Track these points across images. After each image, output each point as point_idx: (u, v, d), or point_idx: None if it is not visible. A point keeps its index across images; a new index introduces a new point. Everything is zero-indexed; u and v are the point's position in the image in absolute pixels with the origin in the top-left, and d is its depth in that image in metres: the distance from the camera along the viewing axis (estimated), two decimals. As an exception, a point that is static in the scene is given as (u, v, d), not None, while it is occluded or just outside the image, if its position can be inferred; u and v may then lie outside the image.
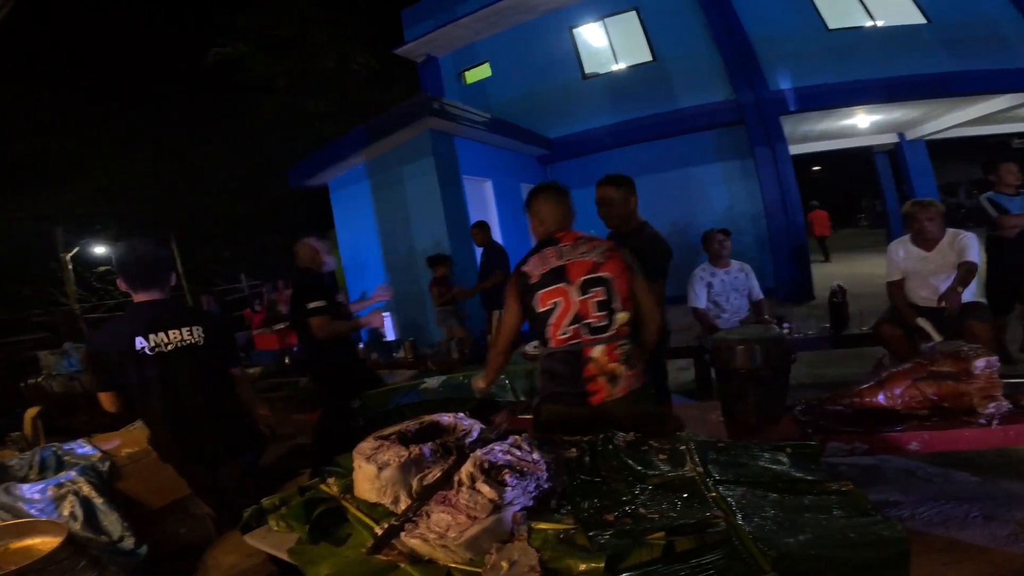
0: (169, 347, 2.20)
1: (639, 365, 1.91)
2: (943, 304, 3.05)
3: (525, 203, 2.12)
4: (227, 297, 13.76)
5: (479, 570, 1.10)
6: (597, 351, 1.85)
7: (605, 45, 9.69)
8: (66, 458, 2.86)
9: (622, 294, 1.88)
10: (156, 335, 2.17)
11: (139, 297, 2.25)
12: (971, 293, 3.21)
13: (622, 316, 1.88)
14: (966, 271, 3.08)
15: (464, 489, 1.25)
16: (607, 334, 1.86)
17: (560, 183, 2.15)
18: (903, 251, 3.35)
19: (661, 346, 2.91)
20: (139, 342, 2.15)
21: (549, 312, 1.89)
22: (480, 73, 10.86)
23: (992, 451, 2.44)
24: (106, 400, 2.28)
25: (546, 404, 1.97)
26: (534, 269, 1.93)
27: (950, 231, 3.23)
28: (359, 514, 1.40)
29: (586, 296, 1.87)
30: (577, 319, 1.86)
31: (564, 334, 1.88)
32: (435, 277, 5.63)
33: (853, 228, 24.39)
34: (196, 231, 15.69)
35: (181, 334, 2.22)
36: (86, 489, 2.48)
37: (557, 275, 1.90)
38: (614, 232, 2.93)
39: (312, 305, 3.14)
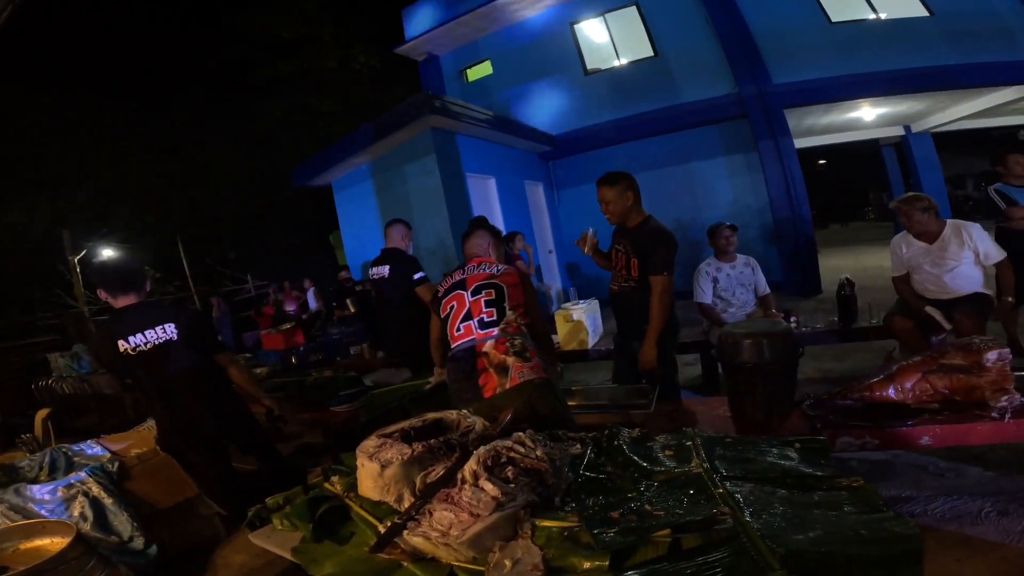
0: (148, 346, 2.40)
1: (536, 361, 2.06)
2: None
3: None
4: (235, 298, 13.83)
5: (482, 568, 1.09)
6: (488, 345, 2.08)
7: (606, 41, 9.64)
8: (76, 459, 2.89)
9: (513, 299, 2.20)
10: (135, 336, 2.39)
11: (118, 303, 2.47)
12: (978, 283, 3.17)
13: (511, 315, 2.14)
14: (1004, 276, 3.11)
15: (467, 487, 1.24)
16: (496, 329, 2.11)
17: (483, 219, 2.85)
18: (906, 246, 3.32)
19: (671, 340, 2.86)
20: (121, 344, 2.37)
21: (448, 316, 2.26)
22: (482, 71, 10.83)
23: (1004, 445, 2.41)
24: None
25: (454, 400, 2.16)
26: (443, 281, 2.43)
27: (951, 222, 3.20)
28: (362, 512, 1.39)
29: (476, 297, 2.20)
30: (468, 317, 2.18)
31: (459, 331, 2.19)
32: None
33: (860, 221, 24.21)
34: (203, 232, 15.79)
35: (156, 333, 2.42)
36: (95, 490, 2.50)
37: (456, 285, 2.32)
38: (618, 228, 2.92)
39: (418, 275, 3.77)
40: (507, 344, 2.04)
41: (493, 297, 2.17)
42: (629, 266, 2.79)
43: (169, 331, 2.44)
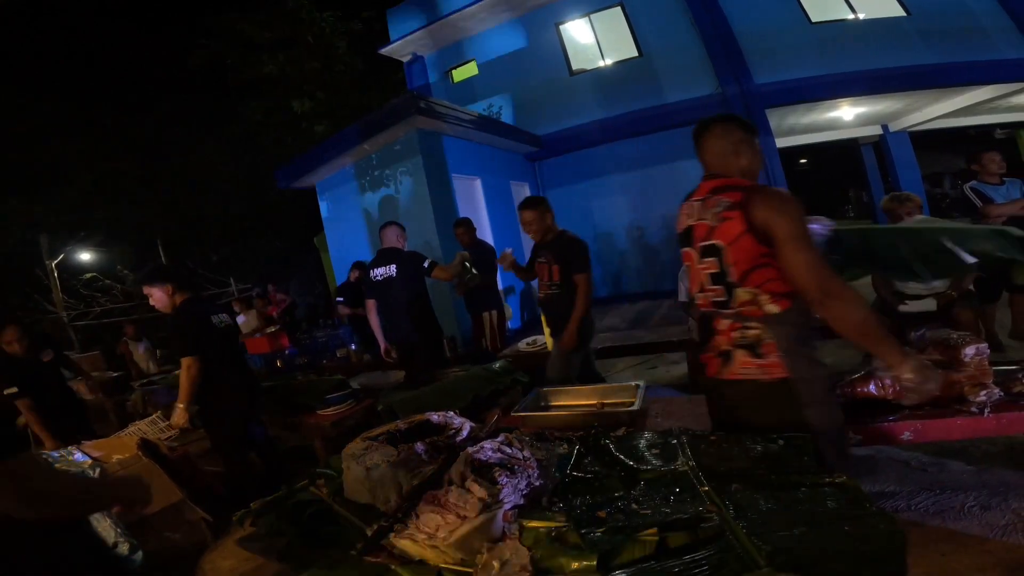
0: (223, 325, 3.18)
1: (775, 357, 1.56)
2: (931, 304, 3.15)
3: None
4: (218, 301, 13.65)
5: (470, 570, 1.08)
6: (722, 324, 1.65)
7: (591, 41, 9.69)
8: (57, 465, 2.83)
9: (738, 266, 1.56)
10: (216, 316, 3.16)
11: (184, 294, 3.10)
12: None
13: (741, 292, 1.58)
14: (965, 274, 3.19)
15: (454, 488, 1.23)
16: (728, 310, 1.62)
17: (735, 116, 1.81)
18: None
19: (588, 332, 3.32)
20: (213, 319, 3.12)
21: (685, 271, 1.90)
22: (467, 71, 10.83)
23: (985, 439, 2.46)
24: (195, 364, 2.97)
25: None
26: (679, 221, 1.80)
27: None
28: (349, 516, 1.38)
29: (702, 265, 1.65)
30: (700, 288, 1.70)
31: (697, 300, 1.75)
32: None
33: (840, 219, 24.58)
34: (184, 235, 15.55)
35: (225, 317, 3.22)
36: (75, 498, 2.44)
37: (687, 236, 1.72)
38: (538, 244, 3.39)
39: (427, 263, 3.95)
40: (736, 334, 1.62)
41: (717, 271, 1.64)
42: (551, 273, 3.26)
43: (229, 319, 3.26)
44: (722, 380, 1.66)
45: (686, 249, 1.73)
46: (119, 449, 2.94)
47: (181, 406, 3.01)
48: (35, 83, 13.98)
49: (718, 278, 1.61)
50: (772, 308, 1.55)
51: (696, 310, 1.82)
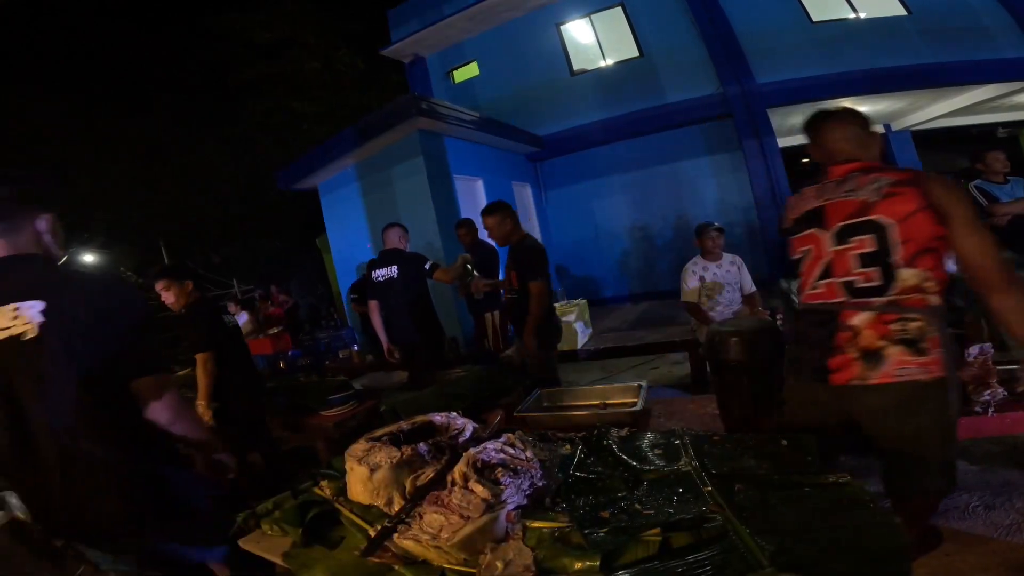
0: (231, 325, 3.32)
1: (937, 353, 1.40)
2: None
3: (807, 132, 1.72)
4: (220, 302, 13.68)
5: (473, 570, 1.09)
6: (861, 319, 1.44)
7: (592, 41, 9.69)
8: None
9: (908, 245, 1.39)
10: (225, 315, 3.30)
11: (196, 293, 3.14)
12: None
13: (908, 275, 1.40)
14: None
15: (457, 489, 1.23)
16: (875, 299, 1.43)
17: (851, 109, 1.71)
18: None
19: (551, 335, 3.35)
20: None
21: (800, 261, 1.60)
22: (468, 72, 10.83)
23: (989, 439, 2.45)
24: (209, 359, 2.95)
25: (791, 379, 1.61)
26: (789, 210, 1.67)
27: None
28: (352, 516, 1.38)
29: (844, 246, 1.47)
30: (826, 274, 1.50)
31: (814, 290, 1.53)
32: None
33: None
34: (186, 236, 15.59)
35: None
36: (79, 498, 2.45)
37: (811, 219, 1.55)
38: (506, 247, 3.40)
39: (428, 264, 4.00)
40: (894, 326, 1.42)
41: (873, 250, 1.44)
42: (511, 279, 3.32)
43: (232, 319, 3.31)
44: (865, 386, 1.43)
45: (809, 232, 1.55)
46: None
47: (203, 403, 2.97)
48: (36, 84, 14.02)
49: (873, 259, 1.42)
50: (934, 299, 1.40)
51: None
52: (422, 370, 3.81)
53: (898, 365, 1.40)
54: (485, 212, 3.37)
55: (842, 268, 1.48)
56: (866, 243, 1.45)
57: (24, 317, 1.23)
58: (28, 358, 1.22)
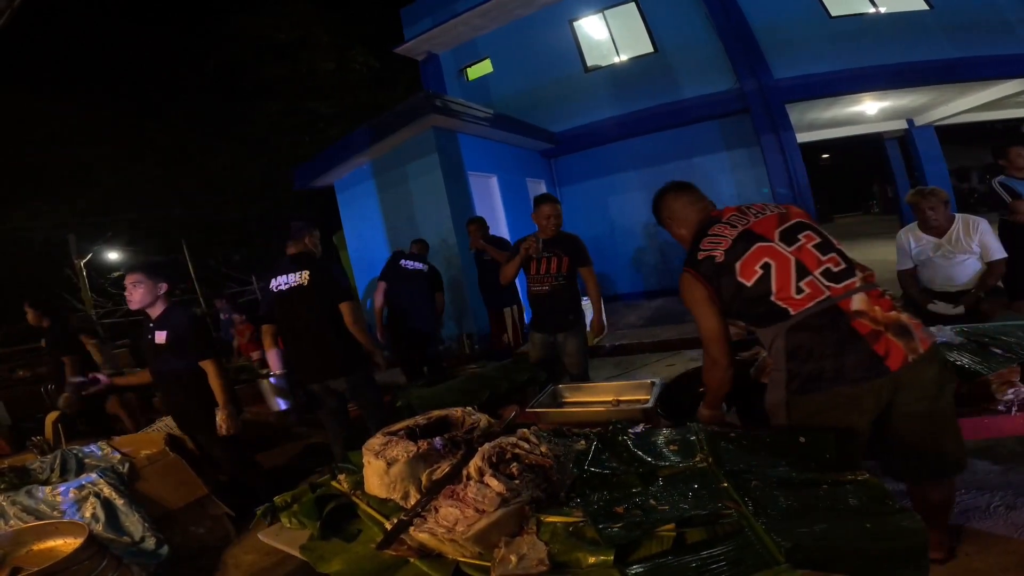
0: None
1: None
2: (960, 309, 3.07)
3: (655, 211, 1.90)
4: (240, 300, 13.89)
5: (488, 564, 1.10)
6: (858, 301, 1.43)
7: (606, 37, 9.62)
8: (87, 460, 2.91)
9: (833, 239, 1.52)
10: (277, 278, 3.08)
11: (167, 300, 2.98)
12: None
13: (854, 258, 1.51)
14: (993, 273, 3.10)
15: (472, 483, 1.25)
16: (853, 279, 1.46)
17: (687, 183, 1.88)
18: (913, 239, 3.32)
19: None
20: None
21: (764, 278, 1.49)
22: (482, 69, 10.83)
23: (1012, 439, 2.41)
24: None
25: (803, 396, 1.46)
26: (712, 249, 1.58)
27: (960, 216, 3.20)
28: (369, 510, 1.41)
29: (796, 245, 1.50)
30: (803, 272, 1.47)
31: (800, 293, 1.45)
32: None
33: (865, 215, 24.12)
34: (206, 234, 15.85)
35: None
36: (107, 491, 2.52)
37: (746, 240, 1.54)
38: (547, 239, 3.39)
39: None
40: (887, 296, 1.48)
41: (820, 240, 1.52)
42: (559, 265, 3.34)
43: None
44: (918, 358, 1.40)
45: (756, 247, 1.53)
46: (147, 445, 3.02)
47: (231, 408, 2.86)
48: (60, 89, 14.35)
49: (826, 247, 1.51)
50: None
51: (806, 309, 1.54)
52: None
53: (918, 329, 1.43)
54: (548, 199, 3.42)
55: (812, 261, 1.49)
56: (811, 237, 1.53)
57: (305, 276, 2.95)
58: (304, 294, 2.93)
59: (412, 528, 1.22)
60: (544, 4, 9.66)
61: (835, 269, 1.47)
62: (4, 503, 2.34)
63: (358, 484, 1.54)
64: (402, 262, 4.35)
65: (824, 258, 1.48)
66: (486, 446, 1.36)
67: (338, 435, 3.07)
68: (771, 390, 1.55)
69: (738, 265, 1.53)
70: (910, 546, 0.98)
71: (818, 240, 1.51)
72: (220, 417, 2.84)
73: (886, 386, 1.41)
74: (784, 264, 1.49)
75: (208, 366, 2.85)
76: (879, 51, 7.84)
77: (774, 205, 1.64)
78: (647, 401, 2.03)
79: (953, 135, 12.19)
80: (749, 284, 1.50)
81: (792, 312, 1.46)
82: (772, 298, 1.48)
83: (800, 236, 1.52)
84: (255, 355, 5.99)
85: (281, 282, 3.00)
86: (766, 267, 1.50)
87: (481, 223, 5.26)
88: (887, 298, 1.48)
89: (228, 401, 2.86)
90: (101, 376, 3.27)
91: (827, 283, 1.46)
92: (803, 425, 1.45)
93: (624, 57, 9.48)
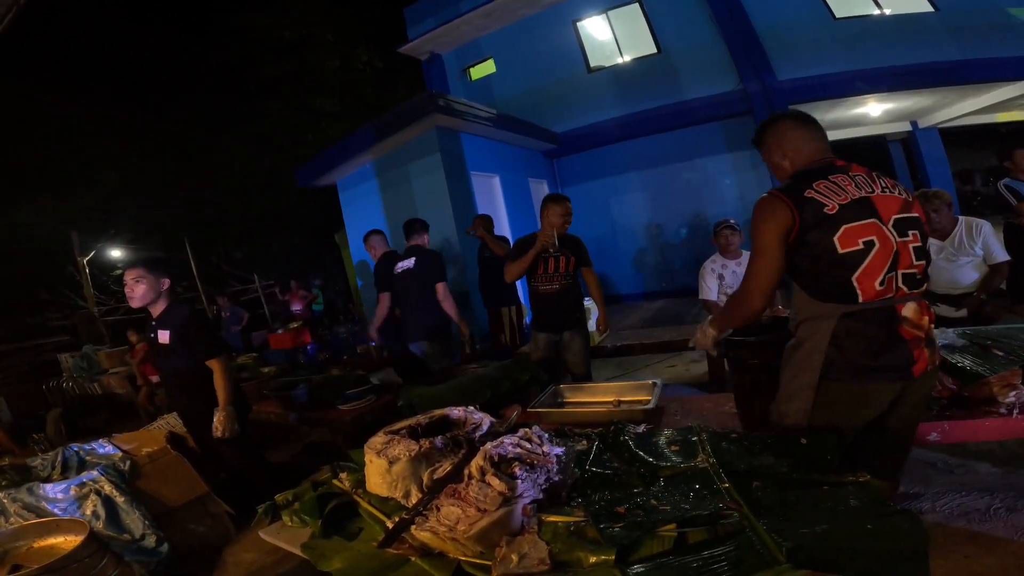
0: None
1: None
2: (963, 313, 3.07)
3: (760, 130, 1.70)
4: (241, 298, 13.91)
5: (489, 563, 1.10)
6: (909, 309, 1.45)
7: (609, 38, 9.62)
8: (88, 458, 2.92)
9: (925, 246, 1.51)
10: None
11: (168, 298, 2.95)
12: None
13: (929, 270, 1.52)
14: (996, 276, 3.10)
15: (474, 482, 1.25)
16: (922, 289, 1.49)
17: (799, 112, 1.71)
18: None
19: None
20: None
21: (859, 254, 1.40)
22: (485, 69, 10.84)
23: (1013, 441, 2.40)
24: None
25: (836, 383, 1.45)
26: (828, 197, 1.44)
27: (964, 219, 3.20)
28: (371, 508, 1.41)
29: (904, 239, 1.45)
30: (893, 267, 1.42)
31: (882, 285, 1.41)
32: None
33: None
34: (209, 232, 15.87)
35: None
36: (107, 488, 2.52)
37: (863, 208, 1.43)
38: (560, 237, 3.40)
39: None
40: (930, 311, 1.51)
41: (920, 244, 1.48)
42: (567, 265, 3.38)
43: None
44: (932, 370, 1.50)
45: (869, 222, 1.43)
46: (148, 442, 3.02)
47: (230, 409, 2.80)
48: (63, 87, 14.38)
49: (922, 252, 1.47)
50: None
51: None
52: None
53: (936, 342, 1.51)
54: (562, 199, 3.43)
55: (906, 260, 1.45)
56: (917, 238, 1.47)
57: (412, 262, 3.97)
58: (413, 276, 3.95)
59: (413, 527, 1.22)
60: (548, 4, 9.67)
61: (918, 276, 1.47)
62: (5, 500, 2.35)
63: (359, 482, 1.54)
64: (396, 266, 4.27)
65: (916, 262, 1.46)
66: (487, 445, 1.36)
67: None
68: (797, 372, 1.52)
69: (844, 227, 1.41)
70: (911, 547, 0.98)
71: (919, 244, 1.48)
72: (218, 418, 2.78)
73: (904, 389, 1.45)
74: (886, 251, 1.42)
75: (215, 365, 2.81)
76: (883, 53, 7.83)
77: (904, 188, 1.54)
78: (648, 402, 2.02)
79: (956, 137, 12.14)
80: (841, 251, 1.41)
81: (861, 299, 1.42)
82: (852, 276, 1.41)
83: (910, 232, 1.47)
84: (154, 379, 5.65)
85: (400, 265, 4.08)
86: (869, 244, 1.41)
87: (488, 219, 5.33)
88: (931, 311, 1.52)
89: (228, 402, 2.81)
90: None
91: (903, 286, 1.44)
92: (821, 410, 1.46)
93: (627, 58, 9.48)
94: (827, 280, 1.44)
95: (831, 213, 1.41)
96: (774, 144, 1.65)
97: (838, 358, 1.44)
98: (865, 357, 1.42)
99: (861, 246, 1.41)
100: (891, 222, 1.44)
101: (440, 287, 3.88)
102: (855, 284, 1.41)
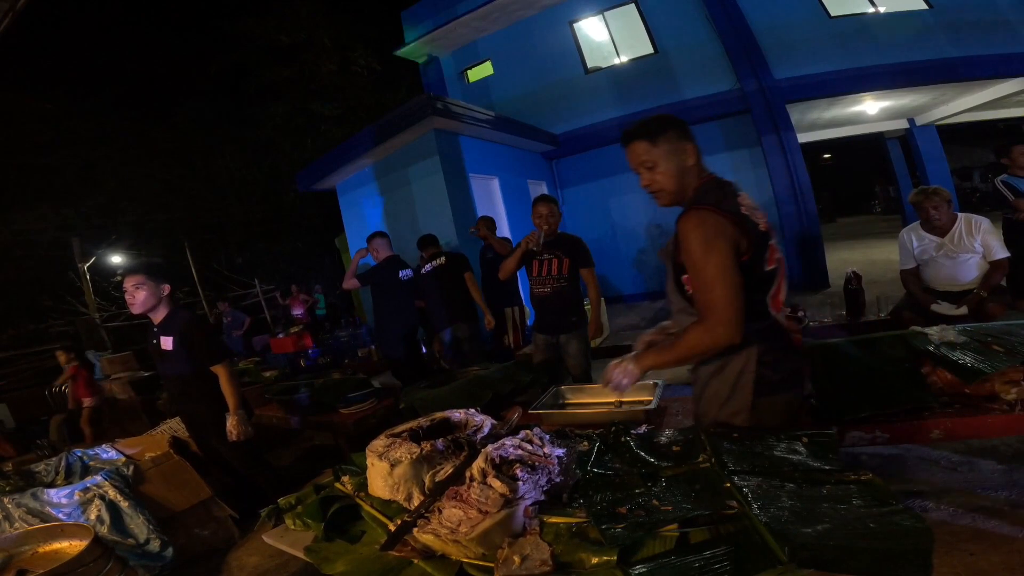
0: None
1: None
2: (963, 310, 3.07)
3: (655, 131, 1.68)
4: (242, 302, 13.93)
5: (491, 564, 1.10)
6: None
7: (606, 39, 9.64)
8: (91, 463, 2.93)
9: None
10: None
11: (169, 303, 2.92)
12: None
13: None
14: (996, 272, 3.10)
15: (476, 484, 1.25)
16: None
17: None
18: (916, 239, 3.32)
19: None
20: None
21: (774, 273, 1.42)
22: (482, 71, 10.85)
23: (1015, 438, 2.40)
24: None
25: (770, 397, 1.46)
26: (756, 213, 1.43)
27: (963, 215, 3.20)
28: (373, 511, 1.41)
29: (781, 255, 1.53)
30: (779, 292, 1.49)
31: (776, 302, 1.46)
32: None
33: (867, 215, 24.07)
34: (209, 238, 15.90)
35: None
36: (112, 493, 2.52)
37: (767, 231, 1.44)
38: (549, 240, 3.35)
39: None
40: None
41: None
42: (560, 267, 3.32)
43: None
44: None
45: (773, 243, 1.47)
46: (151, 447, 3.03)
47: (242, 413, 2.83)
48: (64, 92, 14.41)
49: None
50: None
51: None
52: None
53: None
54: (544, 200, 3.37)
55: (783, 285, 1.51)
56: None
57: (442, 259, 4.61)
58: (445, 269, 4.56)
59: (416, 529, 1.23)
60: (544, 6, 9.68)
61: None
62: (9, 505, 2.35)
63: (362, 486, 1.54)
64: (400, 273, 4.56)
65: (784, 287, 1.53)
66: (489, 447, 1.37)
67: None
68: (731, 396, 1.48)
69: (770, 244, 1.41)
70: (914, 546, 0.98)
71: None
72: (231, 423, 2.80)
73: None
74: (783, 270, 1.48)
75: (220, 370, 2.82)
76: (879, 51, 7.84)
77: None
78: (650, 402, 2.03)
79: (954, 134, 12.17)
80: (767, 269, 1.40)
81: (772, 313, 1.45)
82: (766, 295, 1.42)
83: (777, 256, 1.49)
84: (87, 401, 5.85)
85: (428, 266, 4.61)
86: (779, 263, 1.45)
87: (490, 220, 5.40)
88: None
89: (239, 406, 2.83)
90: None
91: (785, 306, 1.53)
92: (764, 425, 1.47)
93: (624, 58, 9.49)
94: (748, 299, 1.37)
95: (763, 230, 1.41)
96: (677, 149, 1.63)
97: (765, 374, 1.44)
98: (785, 366, 1.46)
99: (775, 265, 1.43)
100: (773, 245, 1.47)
101: (469, 276, 4.56)
102: (768, 302, 1.44)
